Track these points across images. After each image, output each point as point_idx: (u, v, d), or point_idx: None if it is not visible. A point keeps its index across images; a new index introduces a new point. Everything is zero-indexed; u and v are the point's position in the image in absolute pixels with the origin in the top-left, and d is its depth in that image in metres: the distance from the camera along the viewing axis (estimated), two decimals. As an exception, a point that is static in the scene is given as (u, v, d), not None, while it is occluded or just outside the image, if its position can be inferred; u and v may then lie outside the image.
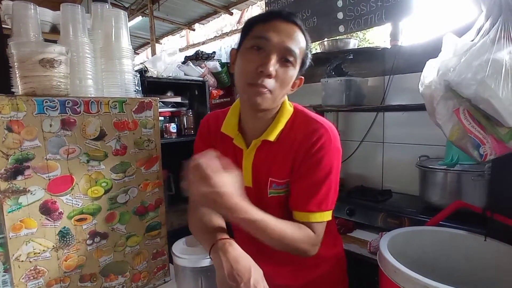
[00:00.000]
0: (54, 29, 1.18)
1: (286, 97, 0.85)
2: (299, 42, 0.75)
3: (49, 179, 0.74)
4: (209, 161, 0.64)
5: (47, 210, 0.74)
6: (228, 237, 0.72)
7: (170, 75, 1.99)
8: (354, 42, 1.88)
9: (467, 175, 1.23)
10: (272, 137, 0.80)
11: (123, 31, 0.90)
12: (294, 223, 0.77)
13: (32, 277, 0.74)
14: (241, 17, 4.36)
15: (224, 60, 2.52)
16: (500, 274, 0.92)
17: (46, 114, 0.72)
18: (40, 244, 0.74)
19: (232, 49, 0.83)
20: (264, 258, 0.78)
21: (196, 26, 5.00)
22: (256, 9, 4.04)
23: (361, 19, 1.78)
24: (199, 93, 2.20)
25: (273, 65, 0.72)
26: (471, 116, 0.91)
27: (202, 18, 4.58)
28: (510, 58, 0.84)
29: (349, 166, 1.91)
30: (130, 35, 0.95)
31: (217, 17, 4.61)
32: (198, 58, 2.39)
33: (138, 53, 6.53)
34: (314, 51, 2.19)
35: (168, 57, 1.98)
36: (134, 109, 0.87)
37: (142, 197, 0.91)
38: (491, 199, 1.09)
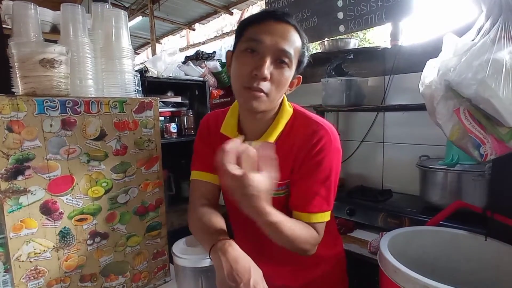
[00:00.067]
0: (54, 29, 1.18)
1: (285, 98, 0.85)
2: (294, 42, 0.74)
3: (50, 179, 0.74)
4: (249, 156, 0.61)
5: (48, 210, 0.74)
6: (228, 237, 0.72)
7: (170, 75, 1.99)
8: (354, 42, 1.88)
9: (468, 175, 1.23)
10: (272, 139, 0.80)
11: (123, 31, 0.90)
12: (302, 223, 0.76)
13: (32, 277, 0.74)
14: (241, 17, 4.36)
15: (224, 60, 2.51)
16: (500, 274, 0.92)
17: (47, 114, 0.72)
18: (41, 244, 0.74)
19: (228, 51, 0.82)
20: (264, 259, 0.78)
21: (196, 26, 5.00)
22: (256, 9, 4.04)
23: (361, 19, 1.78)
24: (199, 93, 2.20)
25: (267, 68, 0.71)
26: (471, 116, 0.91)
27: (202, 18, 4.59)
28: (511, 58, 0.84)
29: (349, 166, 1.91)
30: (130, 35, 0.95)
31: (217, 17, 4.61)
32: (199, 58, 2.39)
33: (138, 53, 6.54)
34: (314, 51, 2.19)
35: (168, 57, 1.97)
36: (134, 109, 0.87)
37: (143, 197, 0.91)
38: (491, 199, 1.09)
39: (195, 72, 2.16)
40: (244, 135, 0.85)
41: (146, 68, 1.88)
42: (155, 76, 1.91)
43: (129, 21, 3.83)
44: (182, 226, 1.76)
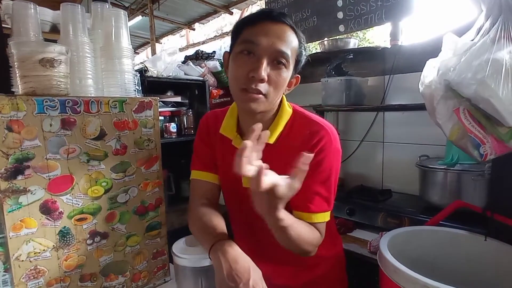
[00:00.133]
0: (54, 29, 1.18)
1: (284, 98, 0.84)
2: (291, 42, 0.73)
3: (49, 179, 0.74)
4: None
5: (47, 209, 0.74)
6: (228, 237, 0.72)
7: (170, 74, 1.99)
8: (354, 41, 1.88)
9: (467, 174, 1.23)
10: (271, 140, 0.80)
11: (123, 30, 0.90)
12: (307, 224, 0.76)
13: (32, 277, 0.74)
14: (241, 16, 4.35)
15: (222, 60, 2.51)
16: (500, 274, 0.92)
17: (46, 113, 0.72)
18: (40, 244, 0.74)
19: (225, 52, 0.82)
20: (263, 259, 0.79)
21: (196, 25, 5.00)
22: (256, 9, 4.04)
23: (361, 19, 1.78)
24: (199, 93, 2.19)
25: (264, 70, 0.70)
26: (471, 115, 0.91)
27: (202, 17, 4.58)
28: (510, 58, 0.84)
29: (349, 165, 1.91)
30: (130, 34, 0.94)
31: (217, 17, 4.61)
32: (198, 57, 2.38)
33: (138, 53, 6.53)
34: (314, 51, 2.19)
35: (168, 57, 1.97)
36: (134, 109, 0.87)
37: (142, 196, 0.91)
38: (491, 199, 1.09)
39: (195, 72, 2.15)
40: (243, 135, 0.85)
41: (146, 68, 1.88)
42: (154, 75, 1.91)
43: (129, 20, 3.83)
44: (182, 226, 1.76)
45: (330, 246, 0.93)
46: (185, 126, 2.14)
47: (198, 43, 5.14)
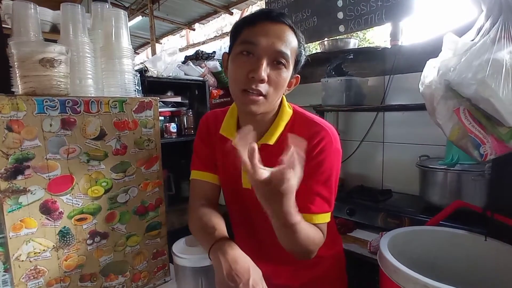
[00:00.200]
0: (54, 29, 1.18)
1: (284, 99, 0.84)
2: (290, 43, 0.73)
3: (49, 179, 0.74)
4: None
5: (47, 209, 0.74)
6: (227, 237, 0.72)
7: (170, 75, 1.99)
8: (354, 42, 1.88)
9: (467, 175, 1.23)
10: (271, 141, 0.80)
11: (123, 30, 0.90)
12: (311, 225, 0.75)
13: (32, 277, 0.74)
14: (241, 17, 4.35)
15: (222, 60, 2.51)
16: (500, 274, 0.92)
17: (46, 113, 0.72)
18: (40, 244, 0.74)
19: (224, 53, 0.81)
20: (263, 258, 0.79)
21: (196, 26, 5.00)
22: (256, 9, 4.04)
23: (361, 19, 1.78)
24: (199, 93, 2.20)
25: (264, 70, 0.70)
26: (471, 115, 0.91)
27: (202, 18, 4.59)
28: (511, 58, 0.84)
29: (349, 166, 1.91)
30: (130, 35, 0.94)
31: (217, 17, 4.61)
32: (198, 57, 2.39)
33: (138, 53, 6.54)
34: (314, 51, 2.19)
35: (168, 57, 1.97)
36: (134, 109, 0.87)
37: (142, 196, 0.91)
38: (491, 199, 1.09)
39: (195, 72, 2.16)
40: None
41: (146, 68, 1.88)
42: (155, 76, 1.91)
43: (129, 21, 3.83)
44: (182, 226, 1.76)
45: (330, 246, 0.93)
46: (185, 126, 2.14)
47: (198, 43, 5.14)
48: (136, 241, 0.91)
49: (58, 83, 0.74)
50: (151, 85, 1.88)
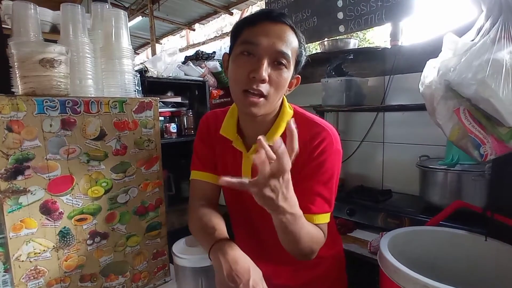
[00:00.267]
0: (54, 29, 1.18)
1: (285, 99, 0.84)
2: (291, 43, 0.73)
3: (49, 179, 0.74)
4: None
5: (47, 210, 0.74)
6: (228, 237, 0.72)
7: (170, 75, 1.99)
8: (354, 42, 1.88)
9: (467, 175, 1.23)
10: (272, 142, 0.80)
11: (123, 31, 0.90)
12: (313, 225, 0.75)
13: (32, 277, 0.74)
14: (241, 17, 4.36)
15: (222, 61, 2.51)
16: (500, 274, 0.92)
17: (46, 114, 0.72)
18: (41, 244, 0.74)
19: (224, 54, 0.81)
20: (263, 259, 0.79)
21: (196, 26, 5.00)
22: (256, 9, 4.04)
23: (361, 19, 1.78)
24: (199, 93, 2.20)
25: (265, 70, 0.70)
26: (471, 116, 0.91)
27: (202, 18, 4.59)
28: (511, 58, 0.84)
29: (349, 166, 1.91)
30: (130, 35, 0.94)
31: (217, 17, 4.61)
32: (198, 58, 2.39)
33: (138, 53, 6.54)
34: (314, 51, 2.19)
35: (168, 57, 1.97)
36: (134, 109, 0.87)
37: (142, 197, 0.91)
38: (491, 199, 1.09)
39: (195, 72, 2.16)
40: (243, 136, 0.85)
41: (146, 68, 1.88)
42: (155, 76, 1.91)
43: (129, 21, 3.84)
44: (182, 226, 1.77)
45: (330, 246, 0.93)
46: (185, 126, 2.14)
47: (198, 44, 5.14)
48: (136, 242, 0.91)
49: (58, 83, 0.74)
50: (151, 85, 1.88)
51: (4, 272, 0.74)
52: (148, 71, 1.88)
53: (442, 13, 1.82)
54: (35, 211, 0.73)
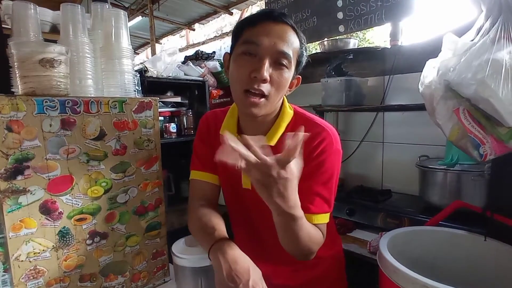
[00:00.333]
0: (54, 29, 1.18)
1: (285, 100, 0.84)
2: (292, 43, 0.73)
3: (49, 179, 0.74)
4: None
5: (47, 210, 0.74)
6: (227, 237, 0.72)
7: (170, 75, 1.99)
8: (354, 42, 1.88)
9: (467, 175, 1.23)
10: (273, 142, 0.80)
11: (123, 31, 0.90)
12: (311, 224, 0.75)
13: (32, 277, 0.74)
14: (241, 17, 4.35)
15: (223, 61, 2.51)
16: (500, 274, 0.92)
17: (46, 114, 0.72)
18: (40, 244, 0.74)
19: (225, 53, 0.81)
20: (263, 258, 0.78)
21: (196, 26, 5.00)
22: (256, 9, 4.04)
23: (361, 19, 1.78)
24: (199, 93, 2.20)
25: (266, 70, 0.70)
26: (471, 116, 0.91)
27: (202, 18, 4.59)
28: (510, 58, 0.84)
29: (349, 166, 1.91)
30: (130, 35, 0.94)
31: (217, 17, 4.61)
32: (198, 58, 2.39)
33: (138, 53, 6.53)
34: (314, 51, 2.19)
35: (168, 57, 1.97)
36: (134, 109, 0.87)
37: (142, 197, 0.91)
38: (491, 199, 1.09)
39: (194, 72, 2.16)
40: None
41: (145, 68, 1.88)
42: (154, 76, 1.91)
43: (129, 21, 3.84)
44: (182, 226, 1.77)
45: (330, 246, 0.93)
46: (185, 126, 2.14)
47: (198, 44, 5.14)
48: (136, 241, 0.91)
49: (58, 83, 0.74)
50: (151, 85, 1.88)
51: (3, 272, 0.74)
52: (148, 71, 1.88)
53: (442, 13, 1.82)
54: (35, 211, 0.73)
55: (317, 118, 0.83)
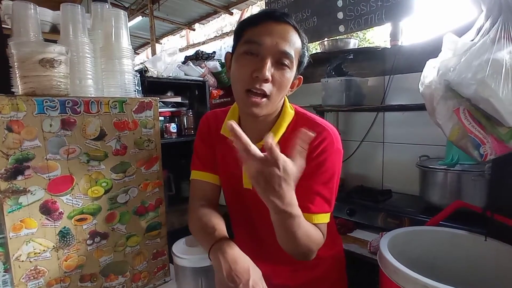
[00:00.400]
0: (54, 29, 1.18)
1: (286, 100, 0.84)
2: (294, 43, 0.73)
3: (49, 179, 0.74)
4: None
5: (47, 210, 0.74)
6: (227, 237, 0.72)
7: (170, 75, 1.99)
8: (354, 42, 1.88)
9: (467, 175, 1.23)
10: (273, 142, 0.80)
11: (123, 31, 0.90)
12: (311, 224, 0.75)
13: (32, 277, 0.74)
14: (241, 17, 4.36)
15: (224, 60, 2.51)
16: (500, 274, 0.92)
17: (46, 114, 0.72)
18: (40, 244, 0.74)
19: (227, 53, 0.81)
20: (263, 258, 0.79)
21: (196, 26, 5.00)
22: (256, 9, 4.04)
23: (361, 19, 1.78)
24: (199, 93, 2.20)
25: (268, 70, 0.70)
26: (471, 116, 0.91)
27: (202, 18, 4.59)
28: (510, 58, 0.84)
29: (349, 166, 1.91)
30: (130, 35, 0.94)
31: (217, 17, 4.61)
32: (198, 58, 2.39)
33: (138, 53, 6.53)
34: (314, 51, 2.19)
35: (168, 57, 1.97)
36: (134, 109, 0.87)
37: (142, 197, 0.91)
38: (491, 199, 1.09)
39: (195, 72, 2.16)
40: None
41: (146, 68, 1.88)
42: (155, 76, 1.91)
43: (129, 21, 3.84)
44: (182, 226, 1.76)
45: (330, 246, 0.93)
46: (185, 126, 2.14)
47: (198, 44, 5.14)
48: (136, 242, 0.91)
49: (58, 83, 0.74)
50: (151, 85, 1.88)
51: (4, 272, 0.74)
52: (148, 71, 1.88)
53: (442, 13, 1.82)
54: (35, 211, 0.73)
55: (318, 118, 0.83)
